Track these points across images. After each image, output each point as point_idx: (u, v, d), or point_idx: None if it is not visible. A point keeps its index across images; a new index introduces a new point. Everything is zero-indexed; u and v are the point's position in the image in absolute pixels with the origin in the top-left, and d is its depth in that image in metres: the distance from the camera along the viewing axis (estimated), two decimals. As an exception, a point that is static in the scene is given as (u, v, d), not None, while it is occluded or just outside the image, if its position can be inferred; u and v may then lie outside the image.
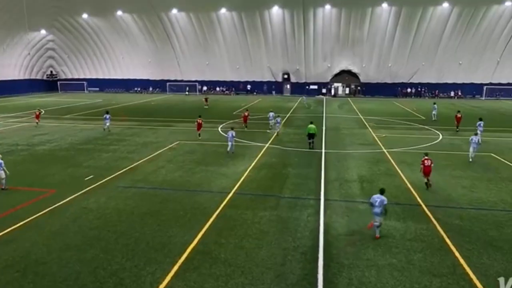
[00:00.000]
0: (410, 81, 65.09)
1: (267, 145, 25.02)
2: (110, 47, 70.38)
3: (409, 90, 65.69)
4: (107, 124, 29.79)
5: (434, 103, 40.03)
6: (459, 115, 31.36)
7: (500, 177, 18.17)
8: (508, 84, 62.71)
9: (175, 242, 11.30)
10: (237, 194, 15.46)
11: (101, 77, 74.60)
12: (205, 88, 71.64)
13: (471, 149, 21.18)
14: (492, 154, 22.61)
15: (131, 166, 19.66)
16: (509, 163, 20.62)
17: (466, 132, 29.41)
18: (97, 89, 74.81)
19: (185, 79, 70.74)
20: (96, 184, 16.66)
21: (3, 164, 16.04)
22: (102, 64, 73.45)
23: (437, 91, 65.33)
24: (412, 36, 59.51)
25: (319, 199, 14.86)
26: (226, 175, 18.03)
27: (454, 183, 17.12)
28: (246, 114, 32.21)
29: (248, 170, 18.97)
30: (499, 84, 62.69)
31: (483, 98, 62.58)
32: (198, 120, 27.52)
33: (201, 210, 13.71)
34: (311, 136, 24.17)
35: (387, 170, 19.29)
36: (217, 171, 18.71)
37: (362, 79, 66.02)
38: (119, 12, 63.03)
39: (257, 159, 21.24)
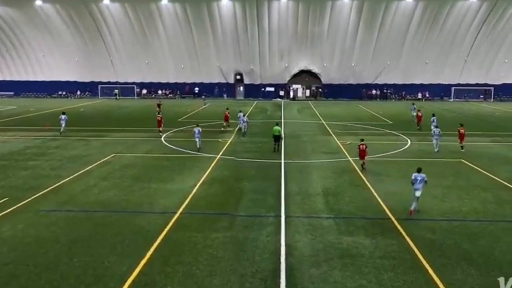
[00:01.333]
0: (375, 82, 67.97)
1: (218, 156, 24.98)
2: (27, 43, 67.47)
3: (374, 91, 68.48)
4: (63, 125, 32.72)
5: (413, 104, 43.92)
6: (419, 114, 36.43)
7: (472, 184, 19.32)
8: (477, 84, 67.28)
9: (112, 273, 10.90)
10: (184, 214, 15.24)
11: (16, 79, 71.23)
12: (144, 91, 70.53)
13: (434, 141, 26.76)
14: (463, 160, 24.03)
15: (56, 185, 18.83)
16: (480, 169, 21.98)
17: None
18: (12, 93, 71.32)
19: (120, 80, 69.25)
20: (12, 208, 15.75)
21: None
22: (17, 63, 70.16)
23: (403, 92, 68.68)
24: (375, 33, 62.28)
25: (280, 216, 14.99)
26: (171, 192, 17.76)
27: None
28: (227, 113, 36.15)
29: (197, 185, 18.80)
30: (467, 84, 67.13)
31: (452, 100, 66.58)
32: (158, 117, 32.96)
33: (142, 234, 13.36)
34: (276, 138, 25.99)
35: (353, 180, 19.89)
36: (160, 188, 18.38)
37: (324, 80, 67.96)
38: (39, 2, 60.70)
39: (207, 172, 21.12)
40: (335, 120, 41.35)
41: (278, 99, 66.66)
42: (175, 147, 27.55)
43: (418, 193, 15.37)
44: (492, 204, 16.59)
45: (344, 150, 26.71)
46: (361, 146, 21.60)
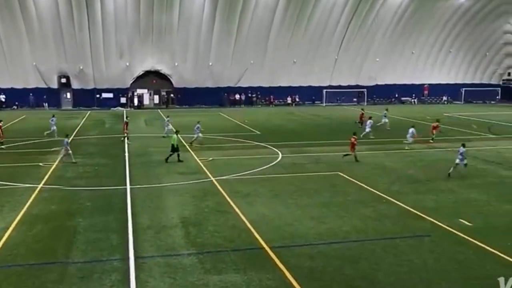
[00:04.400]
0: (238, 85, 70.75)
1: (40, 185, 23.52)
2: None
3: (237, 96, 71.22)
4: None
5: (386, 109, 48.22)
6: (361, 112, 46.38)
7: (350, 199, 21.26)
8: (349, 86, 74.47)
9: None
10: (-6, 268, 14.02)
11: None
12: None
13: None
14: (339, 173, 26.29)
15: None
16: (358, 182, 24.28)
17: (309, 147, 33.69)
18: None
19: None
20: None
21: None
22: None
23: (271, 96, 72.67)
24: (235, 26, 64.98)
25: (127, 259, 14.65)
26: (-28, 240, 16.16)
27: (301, 214, 19.17)
28: (127, 121, 37.90)
29: (11, 227, 17.43)
30: (339, 86, 73.94)
31: (324, 104, 72.58)
32: None
33: None
34: (172, 148, 28.81)
35: (218, 205, 20.35)
36: (-45, 235, 16.60)
37: (176, 83, 68.53)
38: None
39: (25, 208, 19.72)
40: (192, 133, 41.83)
41: (119, 108, 65.26)
42: (-25, 177, 25.13)
43: (461, 161, 25.07)
44: (372, 221, 18.42)
45: (205, 169, 27.18)
46: (352, 139, 29.37)
